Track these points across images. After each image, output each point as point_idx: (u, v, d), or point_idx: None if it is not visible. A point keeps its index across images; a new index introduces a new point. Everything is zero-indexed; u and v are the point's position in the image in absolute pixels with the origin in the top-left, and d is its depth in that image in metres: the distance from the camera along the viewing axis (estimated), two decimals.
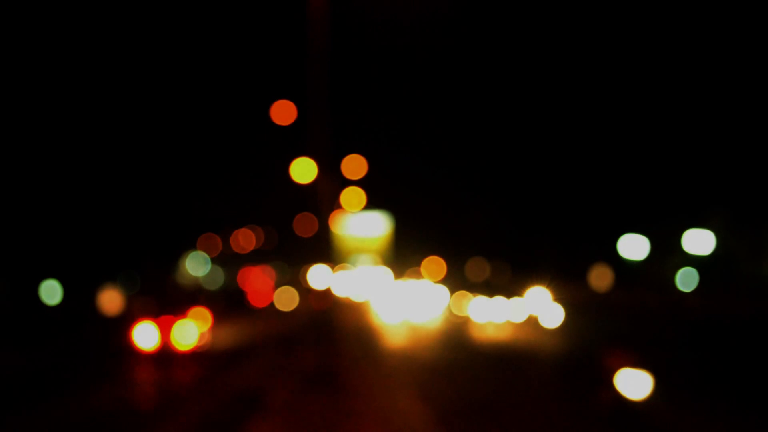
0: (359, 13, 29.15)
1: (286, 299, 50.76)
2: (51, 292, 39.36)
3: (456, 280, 48.97)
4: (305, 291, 54.74)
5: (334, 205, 35.47)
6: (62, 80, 35.76)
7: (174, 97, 43.25)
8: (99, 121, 38.80)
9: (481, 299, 34.33)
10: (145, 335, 21.79)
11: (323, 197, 26.89)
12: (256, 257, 64.24)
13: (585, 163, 46.88)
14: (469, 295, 37.36)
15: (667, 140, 40.66)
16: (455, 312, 38.21)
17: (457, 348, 22.65)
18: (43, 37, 34.20)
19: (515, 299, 32.94)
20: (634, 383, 13.48)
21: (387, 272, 63.59)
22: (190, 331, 22.13)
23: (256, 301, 47.15)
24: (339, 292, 51.53)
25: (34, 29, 33.63)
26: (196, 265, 60.95)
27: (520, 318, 32.43)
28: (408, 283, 49.97)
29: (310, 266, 61.78)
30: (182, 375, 18.26)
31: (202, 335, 22.46)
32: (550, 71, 47.57)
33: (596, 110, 44.28)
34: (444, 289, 43.79)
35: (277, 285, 56.20)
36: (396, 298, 42.13)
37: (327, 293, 51.72)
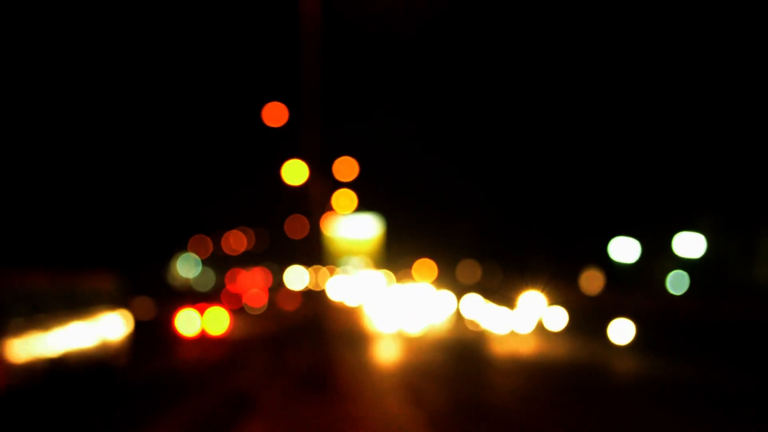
0: (351, 15, 29.14)
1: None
2: None
3: (465, 285, 46.42)
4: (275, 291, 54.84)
5: (326, 207, 35.43)
6: (54, 81, 35.62)
7: (165, 98, 43.14)
8: (87, 122, 38.67)
9: (501, 309, 30.97)
10: (187, 322, 26.58)
11: (315, 199, 26.84)
12: (247, 259, 64.15)
13: (576, 167, 46.96)
14: (482, 300, 34.21)
15: (658, 144, 40.75)
16: (469, 320, 34.88)
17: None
18: (42, 38, 34.09)
19: (544, 305, 29.87)
20: None
21: (384, 276, 62.46)
22: (221, 320, 26.39)
23: (252, 302, 47.08)
24: (333, 295, 51.20)
25: (32, 29, 33.51)
26: (187, 267, 60.83)
27: (556, 326, 29.54)
28: (406, 287, 48.44)
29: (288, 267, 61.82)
30: (215, 355, 21.86)
31: (230, 323, 27.28)
32: (541, 76, 47.65)
33: (588, 114, 44.36)
34: (449, 295, 40.71)
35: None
36: (392, 304, 39.55)
37: (297, 294, 51.85)
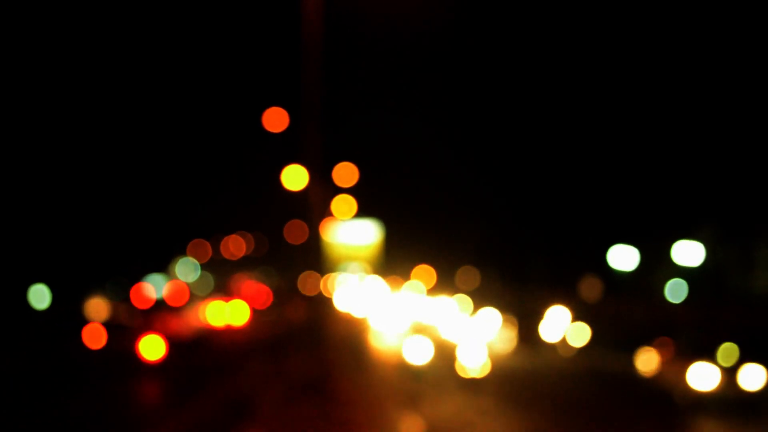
0: (353, 21, 29.25)
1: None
2: (39, 296, 39.18)
3: (516, 302, 39.80)
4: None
5: (325, 212, 35.42)
6: (55, 88, 35.69)
7: (166, 103, 43.22)
8: (89, 126, 38.73)
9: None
10: (215, 315, 33.35)
11: (314, 205, 26.83)
12: (245, 264, 64.17)
13: (575, 174, 47.02)
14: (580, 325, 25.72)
15: (658, 152, 40.82)
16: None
17: None
18: (42, 46, 34.17)
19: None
20: None
21: (409, 288, 57.87)
22: (242, 312, 32.31)
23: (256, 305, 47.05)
24: (340, 305, 50.26)
25: (33, 33, 33.59)
26: (186, 271, 60.82)
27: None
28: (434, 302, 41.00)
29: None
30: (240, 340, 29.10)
31: (250, 315, 33.56)
32: (540, 82, 47.75)
33: (586, 122, 44.45)
34: (494, 314, 33.14)
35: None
36: (419, 319, 33.57)
37: (303, 300, 51.49)
